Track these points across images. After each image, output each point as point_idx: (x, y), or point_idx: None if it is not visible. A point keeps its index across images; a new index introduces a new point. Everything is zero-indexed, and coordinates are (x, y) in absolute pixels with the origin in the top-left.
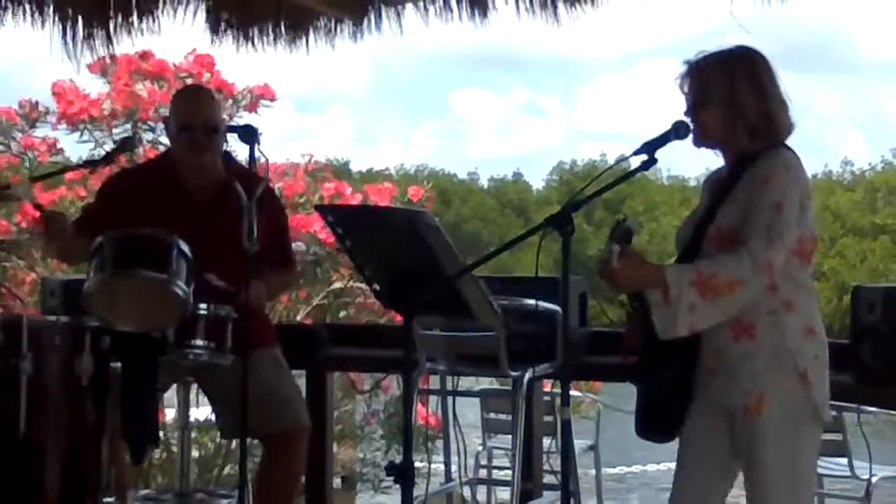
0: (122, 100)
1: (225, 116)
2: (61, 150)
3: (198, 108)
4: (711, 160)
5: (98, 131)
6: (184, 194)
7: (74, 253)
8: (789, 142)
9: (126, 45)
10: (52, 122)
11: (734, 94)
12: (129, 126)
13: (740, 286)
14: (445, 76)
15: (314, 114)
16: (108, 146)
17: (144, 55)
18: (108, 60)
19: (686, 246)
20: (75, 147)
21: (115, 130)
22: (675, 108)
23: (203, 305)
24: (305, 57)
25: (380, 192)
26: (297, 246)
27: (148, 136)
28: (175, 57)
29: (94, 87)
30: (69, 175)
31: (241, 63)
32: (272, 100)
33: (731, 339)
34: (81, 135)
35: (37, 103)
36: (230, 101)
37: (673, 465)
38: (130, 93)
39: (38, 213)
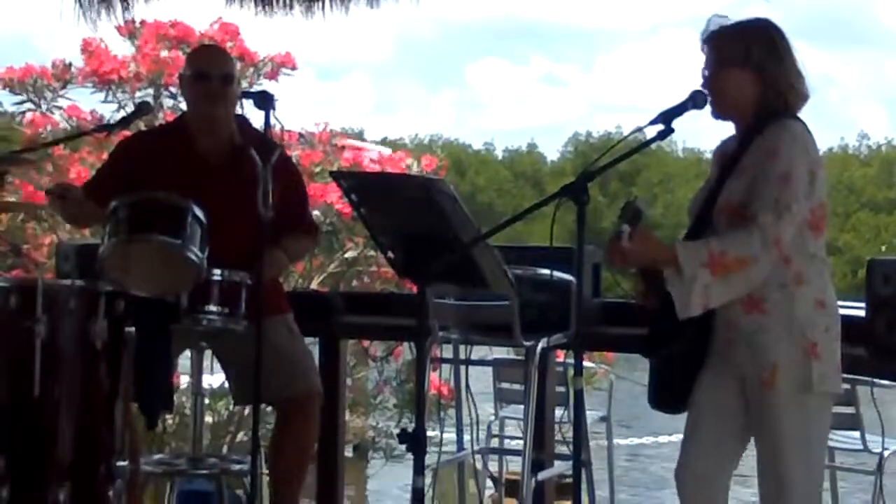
0: (148, 63)
1: (244, 84)
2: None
3: (213, 59)
4: (727, 133)
5: (122, 92)
6: (197, 157)
7: (84, 218)
8: (804, 113)
9: (141, 8)
10: (79, 79)
11: (752, 60)
12: (151, 91)
13: (751, 263)
14: (465, 46)
15: (336, 80)
16: (130, 109)
17: (174, 25)
18: (137, 24)
19: (697, 217)
20: (102, 109)
21: (138, 94)
22: (694, 79)
23: (217, 271)
24: (329, 25)
25: (393, 162)
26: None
27: (170, 102)
28: (198, 24)
29: (120, 50)
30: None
31: (264, 31)
32: (293, 68)
33: (743, 313)
34: (106, 95)
35: (70, 64)
36: (251, 70)
37: None
38: (156, 57)
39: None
